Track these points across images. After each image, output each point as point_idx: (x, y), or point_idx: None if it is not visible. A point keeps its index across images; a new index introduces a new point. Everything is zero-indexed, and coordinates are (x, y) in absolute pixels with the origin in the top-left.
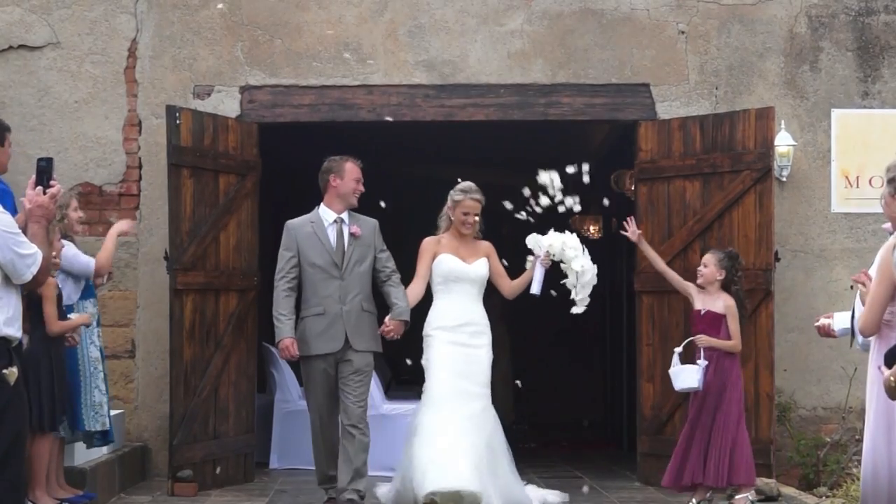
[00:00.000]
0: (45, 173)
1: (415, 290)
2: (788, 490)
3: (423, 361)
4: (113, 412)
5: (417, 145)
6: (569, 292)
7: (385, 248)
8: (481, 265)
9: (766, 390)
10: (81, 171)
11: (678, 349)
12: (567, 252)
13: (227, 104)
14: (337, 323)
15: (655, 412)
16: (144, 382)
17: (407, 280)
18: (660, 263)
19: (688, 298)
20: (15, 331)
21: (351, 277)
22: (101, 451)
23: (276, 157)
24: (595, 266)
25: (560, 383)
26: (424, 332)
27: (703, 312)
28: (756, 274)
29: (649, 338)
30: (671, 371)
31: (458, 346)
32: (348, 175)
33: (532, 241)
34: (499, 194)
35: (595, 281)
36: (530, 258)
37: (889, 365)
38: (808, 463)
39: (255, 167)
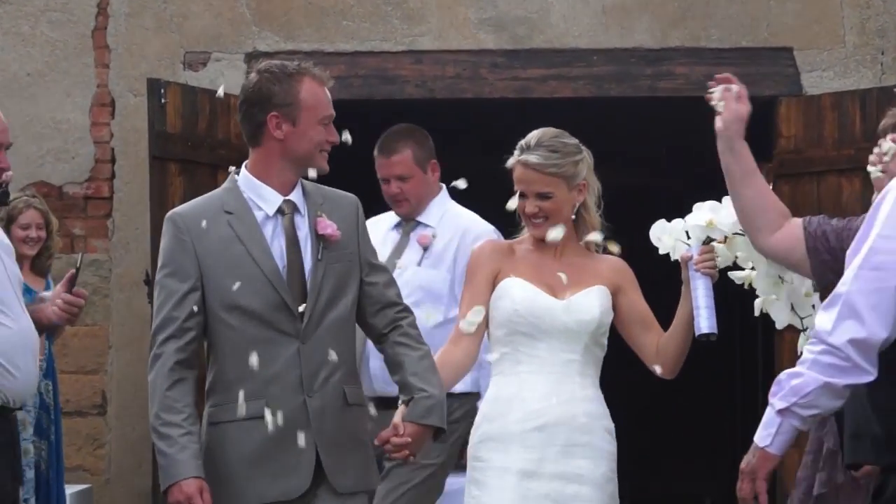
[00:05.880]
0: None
1: (455, 355)
2: None
3: None
4: (77, 487)
5: (480, 130)
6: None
7: (378, 260)
8: (592, 301)
9: None
10: (35, 166)
11: None
12: None
13: (228, 77)
14: (298, 433)
15: None
16: (118, 447)
17: None
18: None
19: None
20: None
21: (322, 333)
22: None
23: None
24: None
25: (674, 445)
26: (470, 447)
27: None
28: None
29: None
30: None
31: (540, 482)
32: (308, 112)
33: (662, 231)
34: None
35: None
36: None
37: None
38: None
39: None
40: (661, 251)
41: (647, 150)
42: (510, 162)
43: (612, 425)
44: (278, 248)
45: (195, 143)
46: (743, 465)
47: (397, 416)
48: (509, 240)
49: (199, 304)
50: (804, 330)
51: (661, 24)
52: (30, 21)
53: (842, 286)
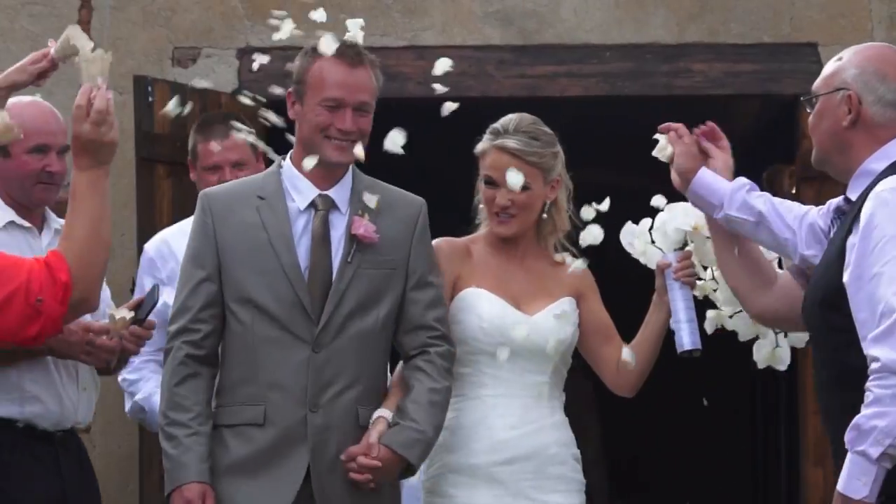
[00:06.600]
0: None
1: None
2: None
3: None
4: None
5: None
6: None
7: (433, 274)
8: (562, 317)
9: None
10: None
11: None
12: None
13: (219, 74)
14: (294, 449)
15: None
16: (103, 465)
17: None
18: None
19: None
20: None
21: (341, 343)
22: None
23: None
24: None
25: (691, 468)
26: (425, 480)
27: None
28: None
29: (818, 405)
30: None
31: None
32: (312, 91)
33: (632, 235)
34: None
35: None
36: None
37: None
38: None
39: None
40: (634, 256)
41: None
42: (481, 147)
43: (578, 453)
44: (306, 244)
45: (184, 144)
46: None
47: (374, 435)
48: (463, 238)
49: (214, 295)
50: (778, 346)
51: (677, 18)
52: (9, 14)
53: (887, 316)
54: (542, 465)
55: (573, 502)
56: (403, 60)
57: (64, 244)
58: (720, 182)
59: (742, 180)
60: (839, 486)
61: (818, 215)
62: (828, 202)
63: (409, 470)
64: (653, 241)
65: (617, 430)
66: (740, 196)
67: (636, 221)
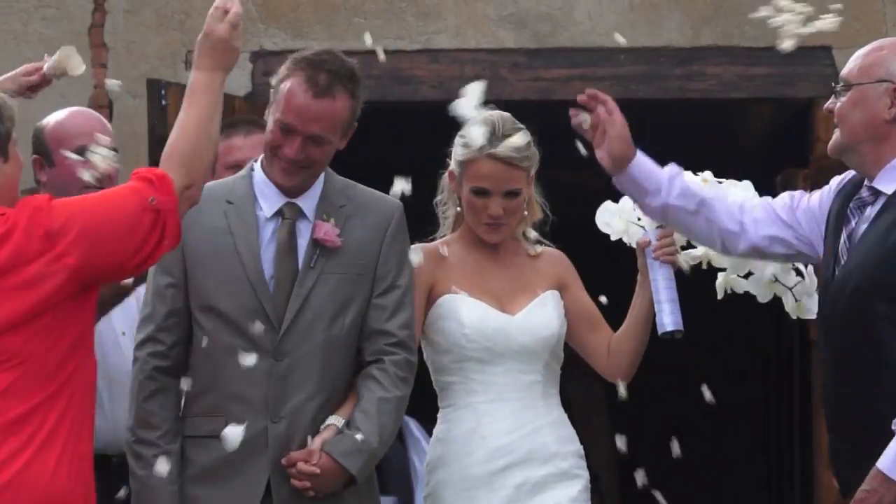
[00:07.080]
0: None
1: None
2: None
3: None
4: None
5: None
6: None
7: (400, 278)
8: (549, 313)
9: None
10: (28, 172)
11: None
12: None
13: (233, 77)
14: (255, 461)
15: None
16: None
17: None
18: None
19: None
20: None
21: (305, 351)
22: None
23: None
24: None
25: (704, 469)
26: (426, 495)
27: None
28: None
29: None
30: None
31: None
32: (275, 107)
33: (610, 215)
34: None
35: None
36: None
37: None
38: None
39: None
40: (613, 237)
41: (676, 155)
42: (468, 155)
43: (582, 449)
44: (271, 250)
45: None
46: (874, 500)
47: (317, 442)
48: (434, 242)
49: (179, 303)
50: (798, 300)
51: (691, 21)
52: (22, 18)
53: None
54: (543, 465)
55: (578, 498)
56: (417, 64)
57: (175, 134)
58: (655, 167)
59: (675, 167)
60: (882, 465)
61: (818, 198)
62: (825, 187)
63: (353, 482)
64: (638, 219)
65: (624, 432)
66: (680, 182)
67: None
